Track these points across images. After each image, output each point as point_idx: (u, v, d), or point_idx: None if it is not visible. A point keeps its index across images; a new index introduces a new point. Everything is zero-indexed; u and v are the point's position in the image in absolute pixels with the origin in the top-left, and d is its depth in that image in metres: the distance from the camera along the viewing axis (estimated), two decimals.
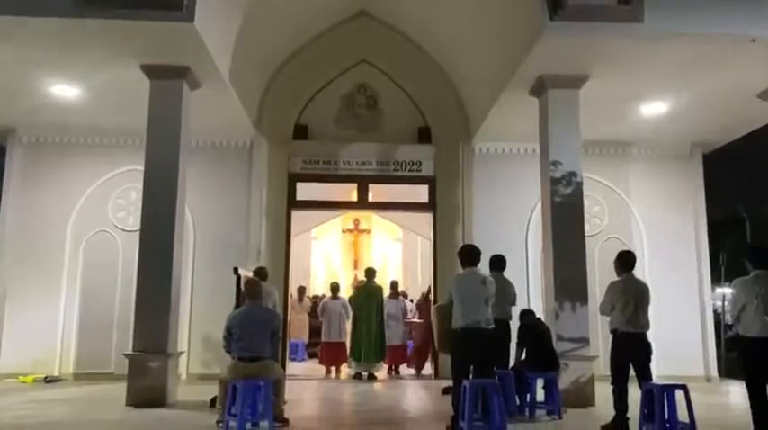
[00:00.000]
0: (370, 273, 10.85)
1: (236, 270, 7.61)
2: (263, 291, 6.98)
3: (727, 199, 12.44)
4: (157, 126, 7.91)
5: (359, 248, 24.51)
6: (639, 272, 10.58)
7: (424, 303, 11.84)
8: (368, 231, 24.58)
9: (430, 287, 11.18)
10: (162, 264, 7.62)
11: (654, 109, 9.18)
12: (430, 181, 10.74)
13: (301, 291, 14.01)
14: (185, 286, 10.00)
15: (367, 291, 10.49)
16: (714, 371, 10.26)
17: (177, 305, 7.88)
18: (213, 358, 9.73)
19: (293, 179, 10.62)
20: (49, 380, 9.47)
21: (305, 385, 9.41)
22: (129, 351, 7.51)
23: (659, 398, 5.64)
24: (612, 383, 6.08)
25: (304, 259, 21.89)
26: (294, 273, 19.68)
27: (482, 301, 5.99)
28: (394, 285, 11.47)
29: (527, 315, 7.33)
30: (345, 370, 10.68)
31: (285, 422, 6.12)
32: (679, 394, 5.61)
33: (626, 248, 10.35)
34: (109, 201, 10.29)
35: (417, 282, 20.08)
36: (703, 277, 10.49)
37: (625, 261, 6.30)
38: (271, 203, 10.43)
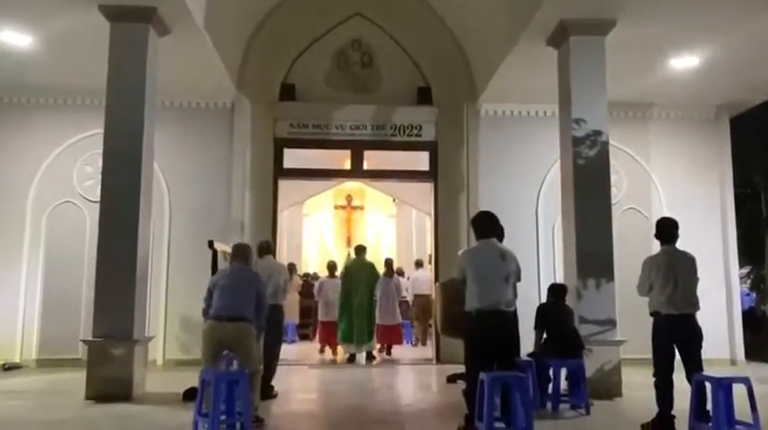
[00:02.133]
0: (360, 249, 10.17)
1: (210, 244, 6.54)
2: (267, 268, 5.95)
3: (745, 169, 11.39)
4: (119, 78, 6.76)
5: (352, 225, 23.68)
6: (658, 246, 9.75)
7: None
8: (361, 208, 23.77)
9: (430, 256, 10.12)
10: (125, 239, 6.51)
11: (683, 63, 8.09)
12: (431, 147, 9.64)
13: (291, 268, 12.88)
14: (160, 264, 8.93)
15: (357, 268, 9.73)
16: (741, 355, 9.31)
17: (144, 285, 6.79)
18: (193, 342, 8.66)
19: (280, 145, 9.49)
20: (8, 368, 8.40)
21: (295, 372, 8.39)
22: (89, 337, 6.43)
23: (716, 393, 4.65)
24: (655, 375, 5.08)
25: (295, 237, 20.98)
26: (285, 251, 18.93)
27: (501, 279, 4.95)
28: (388, 263, 10.91)
29: (555, 291, 6.32)
30: (341, 349, 10.06)
31: (259, 422, 5.09)
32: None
33: (644, 218, 9.63)
34: (74, 168, 9.11)
35: (412, 259, 19.14)
36: (729, 253, 9.50)
37: (665, 230, 5.26)
38: (255, 172, 9.31)
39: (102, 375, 6.23)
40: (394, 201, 21.85)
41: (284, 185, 9.72)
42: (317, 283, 11.31)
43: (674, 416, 4.96)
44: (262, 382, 6.06)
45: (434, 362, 9.32)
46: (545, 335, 6.18)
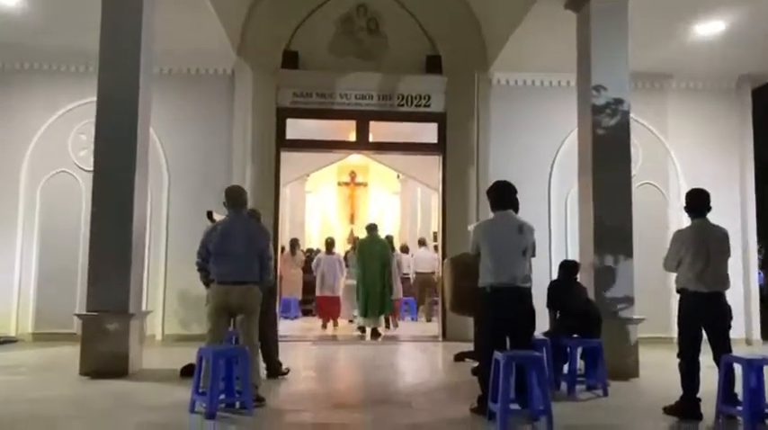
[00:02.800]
0: (372, 227, 10.00)
1: (209, 214, 6.19)
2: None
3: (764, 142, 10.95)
4: (113, 40, 6.37)
5: (355, 202, 23.34)
6: (674, 223, 9.42)
7: None
8: (364, 184, 23.43)
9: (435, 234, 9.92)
10: (119, 210, 6.18)
11: (708, 29, 7.65)
12: (440, 118, 9.24)
13: (294, 243, 12.63)
14: (159, 237, 8.63)
15: (370, 246, 9.53)
16: (757, 334, 9.01)
17: (140, 257, 6.48)
18: (193, 317, 8.41)
19: (282, 114, 9.10)
20: (3, 342, 8.13)
21: (298, 348, 8.12)
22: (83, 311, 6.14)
23: (747, 375, 4.34)
24: (680, 355, 4.77)
25: (298, 213, 20.69)
26: (288, 228, 18.65)
27: (519, 253, 4.62)
28: (389, 240, 10.96)
29: (567, 268, 6.00)
30: (341, 322, 10.43)
31: (260, 401, 4.81)
32: None
33: (660, 193, 9.28)
34: (69, 137, 8.75)
35: (416, 236, 18.86)
36: (748, 230, 9.14)
37: (696, 202, 4.90)
38: (256, 142, 8.93)
39: (97, 351, 5.95)
40: (398, 177, 21.52)
41: (287, 158, 9.35)
42: (314, 259, 11.27)
43: (699, 399, 4.66)
44: (269, 364, 5.81)
45: (441, 339, 9.04)
46: (558, 314, 5.88)
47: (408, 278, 12.02)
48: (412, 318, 12.14)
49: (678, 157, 9.23)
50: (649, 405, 5.04)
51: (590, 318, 5.69)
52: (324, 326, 10.33)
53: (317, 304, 10.87)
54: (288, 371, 5.97)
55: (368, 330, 9.28)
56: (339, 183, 23.08)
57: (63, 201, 8.60)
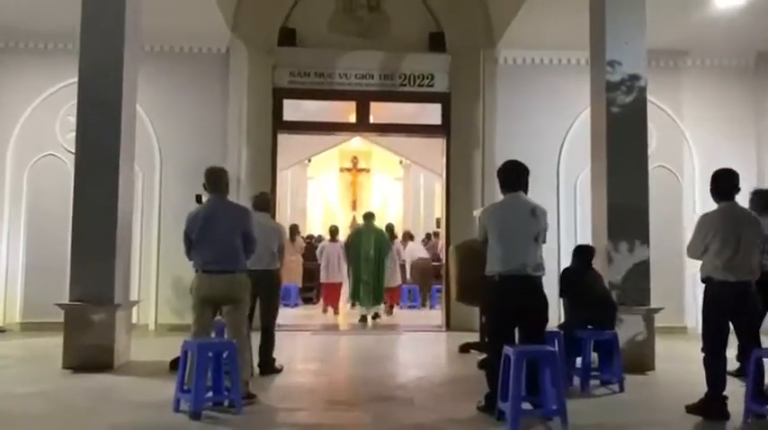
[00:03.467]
0: (369, 216, 10.02)
1: (198, 198, 5.82)
2: (260, 228, 5.24)
3: None
4: (94, 15, 5.95)
5: (357, 188, 23.02)
6: (689, 208, 9.02)
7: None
8: (367, 170, 23.10)
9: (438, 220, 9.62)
10: (104, 194, 5.79)
11: (728, 1, 7.18)
12: (443, 98, 8.80)
13: (294, 229, 12.22)
14: (151, 222, 8.26)
15: (366, 234, 9.59)
16: None
17: (127, 244, 6.11)
18: (186, 306, 7.97)
19: (279, 95, 8.68)
20: None
21: (296, 338, 7.77)
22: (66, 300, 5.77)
23: None
24: (704, 350, 4.37)
25: (300, 199, 20.31)
26: (289, 214, 18.28)
27: (530, 239, 4.22)
28: (389, 229, 11.18)
29: (582, 254, 5.58)
30: (344, 309, 10.46)
31: (251, 399, 4.44)
32: None
33: (674, 176, 8.85)
34: (56, 119, 8.33)
35: (420, 223, 18.52)
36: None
37: (723, 184, 4.47)
38: (252, 124, 8.51)
39: (81, 343, 5.59)
40: (401, 163, 21.12)
41: (284, 141, 8.94)
42: (319, 247, 11.30)
43: (725, 397, 4.27)
44: (263, 360, 5.45)
45: (444, 329, 8.67)
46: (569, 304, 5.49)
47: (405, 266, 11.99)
48: (410, 306, 11.89)
49: (693, 139, 8.78)
50: (670, 402, 4.66)
51: (606, 307, 5.29)
52: (324, 311, 10.52)
53: (320, 290, 11.14)
54: (281, 368, 5.58)
55: (369, 318, 9.34)
56: (341, 169, 22.74)
57: (51, 186, 8.20)
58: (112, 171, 5.82)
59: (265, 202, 5.71)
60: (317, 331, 8.39)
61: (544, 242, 4.35)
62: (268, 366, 5.43)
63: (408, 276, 12.01)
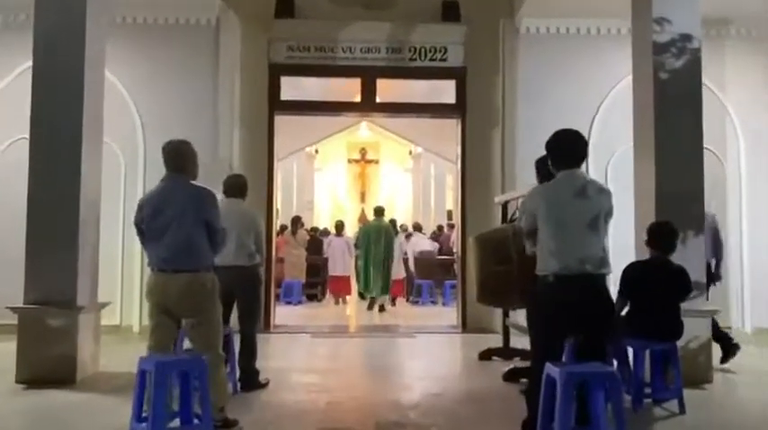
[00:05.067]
0: (379, 211, 10.45)
1: None
2: (232, 217, 4.31)
3: None
4: None
5: (366, 180, 22.25)
6: (735, 193, 8.01)
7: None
8: (375, 161, 22.33)
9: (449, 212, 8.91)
10: (63, 182, 4.90)
11: None
12: (458, 74, 7.81)
13: (296, 221, 11.32)
14: (133, 212, 7.30)
15: (376, 230, 10.10)
16: None
17: (92, 237, 5.18)
18: None
19: (276, 72, 7.73)
20: None
21: (296, 342, 6.85)
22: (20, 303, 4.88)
23: None
24: None
25: (306, 191, 19.52)
26: (295, 205, 17.41)
27: (592, 227, 3.25)
28: (392, 223, 11.41)
29: (661, 238, 4.45)
30: (351, 301, 10.81)
31: (230, 426, 3.52)
32: None
33: (715, 158, 7.83)
34: (27, 100, 7.41)
35: (430, 215, 17.65)
36: None
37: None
38: (246, 104, 7.58)
39: (37, 353, 4.70)
40: (410, 153, 20.22)
41: (283, 125, 8.02)
42: (325, 241, 11.47)
43: None
44: (244, 373, 4.54)
45: (460, 330, 7.73)
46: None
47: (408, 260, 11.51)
48: (414, 301, 11.20)
49: (738, 117, 7.75)
50: (745, 425, 3.71)
51: (672, 317, 4.28)
52: (336, 303, 10.80)
53: (328, 283, 11.27)
54: (267, 383, 4.66)
55: (375, 307, 9.85)
56: (349, 161, 21.92)
57: (22, 173, 7.29)
58: (73, 155, 4.92)
59: (238, 187, 4.69)
60: (318, 334, 7.46)
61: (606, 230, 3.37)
62: (250, 380, 4.52)
63: (413, 269, 11.42)
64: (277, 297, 10.36)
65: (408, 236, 12.03)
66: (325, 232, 14.45)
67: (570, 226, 3.22)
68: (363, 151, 21.77)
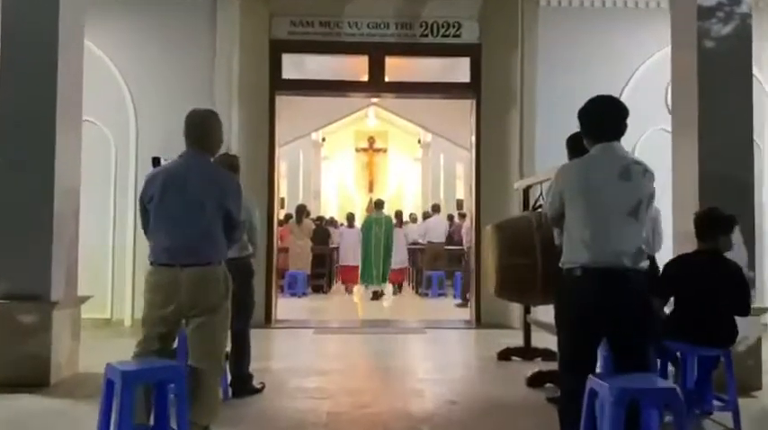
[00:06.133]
0: (379, 204, 10.80)
1: (156, 161, 4.37)
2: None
3: None
4: None
5: (374, 169, 21.76)
6: None
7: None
8: (384, 150, 21.84)
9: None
10: (34, 167, 4.35)
11: None
12: (473, 51, 7.21)
13: (301, 211, 10.77)
14: (125, 200, 6.82)
15: (376, 221, 10.44)
16: None
17: (71, 226, 4.64)
18: None
19: (277, 48, 7.16)
20: None
21: (298, 338, 6.32)
22: None
23: None
24: None
25: (313, 180, 19.07)
26: (301, 195, 16.90)
27: (631, 214, 2.66)
28: (398, 214, 11.73)
29: (716, 227, 3.79)
30: (358, 291, 10.90)
31: None
32: None
33: (755, 146, 7.22)
34: None
35: (440, 205, 17.09)
36: None
37: None
38: (245, 83, 6.99)
39: (6, 353, 4.18)
40: (419, 142, 19.64)
41: (286, 108, 7.47)
42: (337, 232, 11.77)
43: None
44: (236, 377, 4.01)
45: (474, 325, 7.17)
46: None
47: (419, 249, 11.34)
48: (421, 293, 10.89)
49: None
50: None
51: (718, 316, 3.68)
52: (347, 291, 11.13)
53: (340, 272, 11.72)
54: (262, 387, 4.13)
55: (378, 294, 10.22)
56: (357, 149, 21.39)
57: None
58: (45, 139, 4.37)
59: (228, 168, 4.13)
60: (321, 329, 6.92)
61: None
62: (242, 385, 3.98)
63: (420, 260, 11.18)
64: (281, 289, 9.90)
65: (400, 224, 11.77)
66: (332, 222, 14.03)
67: (608, 211, 2.65)
68: (371, 140, 21.23)
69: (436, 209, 11.81)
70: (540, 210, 4.87)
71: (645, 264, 2.71)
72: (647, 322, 2.73)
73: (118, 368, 2.72)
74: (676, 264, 3.70)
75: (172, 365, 2.88)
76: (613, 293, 2.62)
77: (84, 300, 4.80)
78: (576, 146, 3.37)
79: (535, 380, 4.38)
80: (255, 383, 4.12)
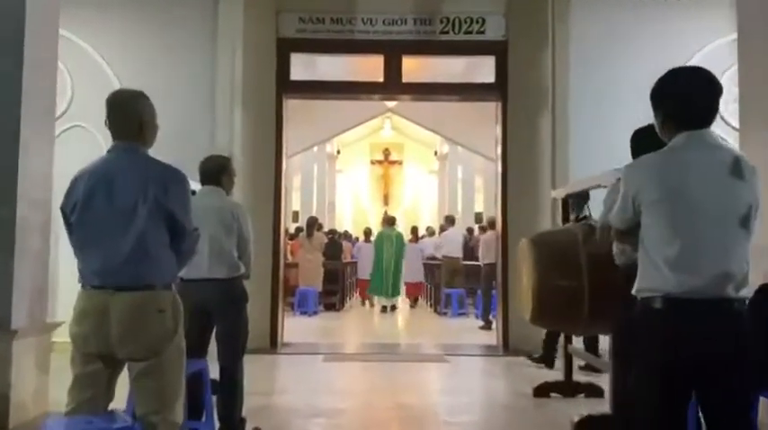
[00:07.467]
0: (390, 221, 11.14)
1: None
2: (209, 212, 3.11)
3: None
4: None
5: (389, 182, 21.32)
6: None
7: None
8: (399, 162, 21.43)
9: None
10: None
11: None
12: (498, 48, 6.50)
13: (312, 223, 10.10)
14: None
15: (389, 237, 10.68)
16: None
17: (39, 243, 3.97)
18: None
19: (285, 48, 6.52)
20: None
21: (302, 367, 5.59)
22: None
23: None
24: None
25: (328, 194, 18.61)
26: (315, 207, 16.31)
27: (735, 224, 1.94)
28: (413, 230, 11.97)
29: None
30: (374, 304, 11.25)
31: None
32: None
33: None
34: None
35: (457, 219, 16.39)
36: None
37: None
38: (249, 85, 6.33)
39: None
40: (435, 154, 19.03)
41: (295, 112, 6.83)
42: (355, 247, 12.17)
43: None
44: (224, 424, 3.29)
45: (501, 351, 6.40)
46: None
47: (435, 265, 10.77)
48: (440, 313, 10.19)
49: None
50: None
51: None
52: (363, 304, 11.57)
53: (357, 286, 11.89)
54: None
55: (388, 308, 10.55)
56: (372, 162, 20.94)
57: None
58: (6, 144, 3.73)
59: (216, 170, 3.37)
60: (332, 356, 6.17)
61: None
62: None
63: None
64: (291, 307, 9.21)
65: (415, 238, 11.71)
66: (347, 236, 13.51)
67: (707, 220, 1.93)
68: (387, 152, 20.72)
69: (450, 221, 11.04)
70: (584, 222, 4.14)
71: (748, 291, 1.98)
72: (749, 365, 1.98)
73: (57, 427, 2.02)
74: None
75: (123, 425, 2.16)
76: (710, 335, 1.89)
77: (54, 326, 4.11)
78: (644, 143, 2.67)
79: (585, 428, 3.60)
80: (249, 429, 3.40)
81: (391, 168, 20.94)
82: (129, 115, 2.36)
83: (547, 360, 5.37)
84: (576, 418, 3.67)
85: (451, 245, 10.27)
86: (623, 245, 2.32)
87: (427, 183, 20.42)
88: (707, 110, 2.07)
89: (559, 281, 3.69)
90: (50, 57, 4.16)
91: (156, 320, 2.22)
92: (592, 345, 4.90)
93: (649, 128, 2.34)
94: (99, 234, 2.23)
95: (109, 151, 2.36)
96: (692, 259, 1.92)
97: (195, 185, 3.21)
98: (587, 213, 4.31)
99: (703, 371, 1.92)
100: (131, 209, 2.21)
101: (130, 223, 2.21)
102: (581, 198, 4.43)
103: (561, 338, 4.73)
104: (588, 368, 4.84)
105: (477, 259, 10.00)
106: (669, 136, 2.11)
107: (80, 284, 2.29)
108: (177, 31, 6.29)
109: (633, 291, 2.06)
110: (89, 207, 2.24)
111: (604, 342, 4.33)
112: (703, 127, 2.05)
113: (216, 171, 3.38)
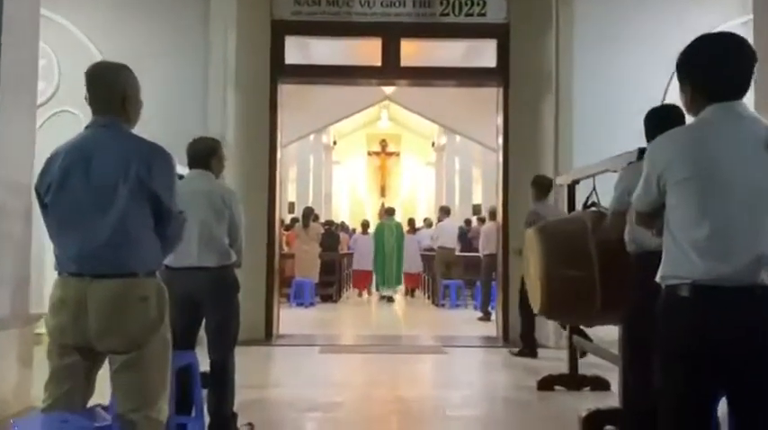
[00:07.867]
0: (390, 212, 11.54)
1: None
2: (200, 187, 3.01)
3: None
4: None
5: (386, 173, 21.21)
6: None
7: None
8: (396, 154, 21.33)
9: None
10: None
11: None
12: (500, 31, 6.30)
13: (308, 214, 9.91)
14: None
15: (389, 228, 10.92)
16: None
17: (21, 232, 3.77)
18: None
19: (279, 30, 6.31)
20: None
21: (297, 359, 5.40)
22: None
23: None
24: None
25: (324, 185, 18.50)
26: (311, 198, 16.14)
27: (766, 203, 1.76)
28: (411, 222, 12.26)
29: None
30: (370, 295, 11.61)
31: None
32: None
33: None
34: None
35: (454, 210, 16.27)
36: None
37: None
38: (242, 69, 6.13)
39: None
40: (433, 145, 18.87)
41: (290, 99, 6.62)
42: (352, 238, 12.23)
43: None
44: (215, 420, 3.11)
45: (500, 343, 6.24)
46: None
47: (431, 256, 10.62)
48: (438, 304, 10.04)
49: None
50: None
51: None
52: (360, 295, 11.57)
53: (353, 277, 11.82)
54: (251, 428, 3.24)
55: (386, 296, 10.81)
56: (369, 153, 20.80)
57: None
58: None
59: (205, 153, 3.15)
60: (328, 348, 6.00)
61: None
62: (222, 429, 3.08)
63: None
64: (287, 298, 9.05)
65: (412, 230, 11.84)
66: (344, 227, 13.39)
67: (741, 200, 1.75)
68: (384, 143, 20.55)
69: (446, 211, 10.85)
70: (593, 209, 3.95)
71: None
72: None
73: (28, 425, 1.84)
74: None
75: (102, 425, 1.98)
76: (741, 324, 1.72)
77: (38, 318, 3.92)
78: (660, 123, 2.50)
79: (593, 423, 3.44)
80: (241, 425, 3.23)
81: (388, 160, 20.78)
82: (110, 88, 2.15)
83: (529, 352, 5.35)
84: (584, 413, 3.50)
85: (447, 235, 10.09)
86: (650, 225, 2.13)
87: (424, 175, 20.29)
88: (739, 78, 1.88)
89: (568, 271, 3.49)
90: (31, 36, 3.94)
91: (138, 310, 2.03)
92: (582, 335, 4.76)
93: (664, 108, 2.16)
94: (76, 216, 2.04)
95: (87, 127, 2.16)
96: (721, 243, 1.74)
97: (183, 170, 3.03)
98: (595, 200, 4.14)
99: (733, 362, 1.75)
100: (111, 188, 2.01)
101: (110, 204, 2.01)
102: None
103: (566, 331, 4.57)
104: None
105: (475, 250, 9.85)
106: (695, 110, 1.93)
107: (56, 271, 2.11)
108: (168, 13, 6.08)
109: (657, 278, 1.89)
110: (65, 187, 2.04)
111: (594, 332, 4.20)
112: (736, 98, 1.87)
113: (205, 154, 3.18)
